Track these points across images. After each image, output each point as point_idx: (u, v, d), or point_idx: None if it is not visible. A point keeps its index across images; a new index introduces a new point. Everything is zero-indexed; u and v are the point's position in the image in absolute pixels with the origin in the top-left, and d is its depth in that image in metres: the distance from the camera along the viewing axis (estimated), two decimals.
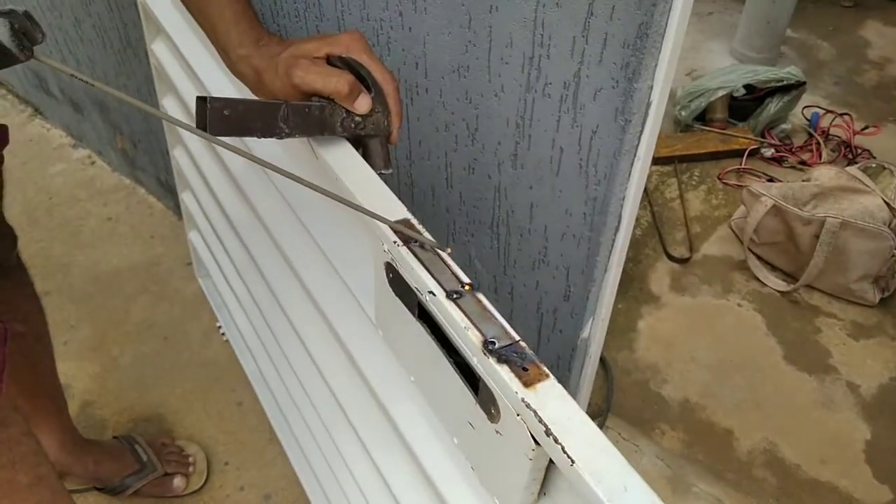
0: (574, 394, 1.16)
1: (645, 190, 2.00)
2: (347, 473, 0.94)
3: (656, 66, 0.71)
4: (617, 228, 0.87)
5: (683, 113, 2.17)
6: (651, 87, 0.73)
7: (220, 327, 1.55)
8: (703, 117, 2.19)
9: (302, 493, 1.24)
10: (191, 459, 1.33)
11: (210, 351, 1.54)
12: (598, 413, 1.44)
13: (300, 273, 0.86)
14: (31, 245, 1.75)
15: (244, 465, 1.36)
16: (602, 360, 1.53)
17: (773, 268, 1.80)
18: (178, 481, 1.29)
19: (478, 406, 0.53)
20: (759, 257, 1.80)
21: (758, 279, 1.77)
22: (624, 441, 1.42)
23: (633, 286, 1.75)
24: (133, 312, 1.63)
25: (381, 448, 0.80)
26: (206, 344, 1.56)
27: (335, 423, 0.95)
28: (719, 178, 2.06)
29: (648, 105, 0.75)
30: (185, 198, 1.40)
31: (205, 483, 1.33)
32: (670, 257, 1.82)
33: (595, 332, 1.04)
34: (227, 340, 1.52)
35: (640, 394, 1.51)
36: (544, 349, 1.11)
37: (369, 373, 0.75)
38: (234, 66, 0.69)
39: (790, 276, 1.77)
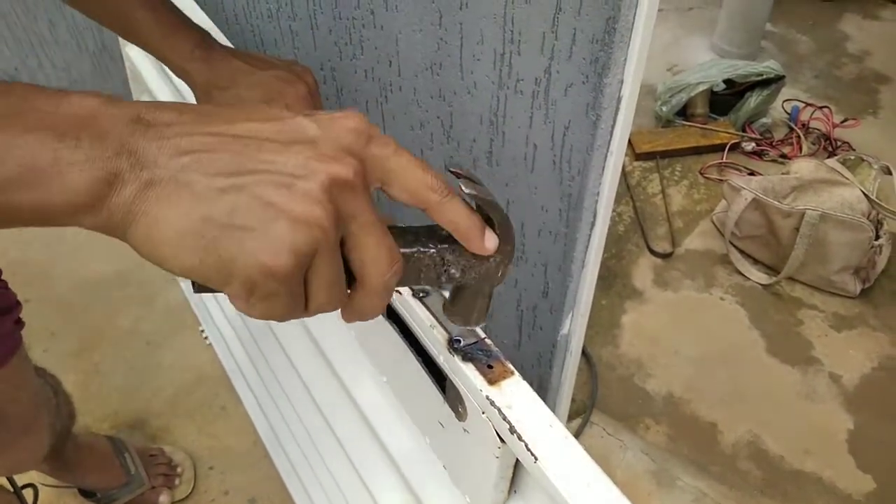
0: (556, 390, 1.16)
1: (627, 185, 2.00)
2: (328, 474, 0.93)
3: (626, 60, 0.71)
4: (592, 224, 0.87)
5: (664, 108, 2.18)
6: (622, 82, 0.73)
7: (202, 331, 1.54)
8: (683, 112, 2.20)
9: (287, 495, 1.23)
10: (179, 470, 1.32)
11: (193, 356, 1.53)
12: (583, 409, 1.45)
13: None
14: (11, 252, 1.73)
15: (229, 469, 1.35)
16: (586, 356, 1.53)
17: (754, 261, 1.81)
18: (163, 498, 1.28)
19: (446, 405, 0.53)
20: (740, 251, 1.81)
21: (740, 272, 1.78)
22: (608, 436, 1.42)
23: (616, 282, 1.75)
24: (115, 318, 1.62)
25: (358, 448, 0.80)
26: (188, 349, 1.55)
27: (315, 425, 0.95)
28: (701, 173, 2.07)
29: (619, 100, 0.74)
30: None
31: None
32: (653, 252, 1.83)
33: (575, 328, 1.04)
34: (209, 345, 1.51)
35: (625, 389, 1.52)
36: (525, 346, 1.11)
37: (345, 375, 0.75)
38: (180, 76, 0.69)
39: (772, 269, 1.78)
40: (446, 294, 0.47)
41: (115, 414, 1.43)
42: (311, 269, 0.34)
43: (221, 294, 0.35)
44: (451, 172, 0.40)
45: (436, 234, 0.40)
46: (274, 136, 0.34)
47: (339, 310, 0.38)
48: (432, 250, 0.40)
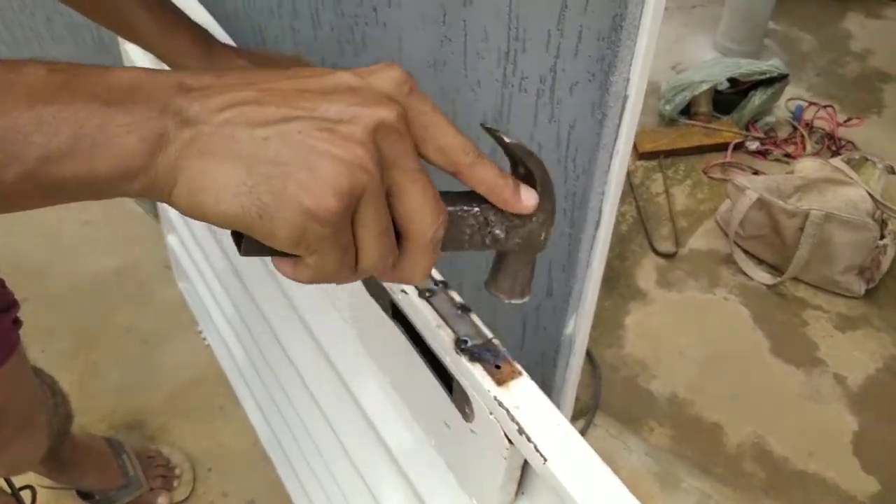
0: (560, 391, 1.15)
1: (630, 185, 1.99)
2: (329, 476, 0.92)
3: (632, 58, 0.70)
4: (597, 223, 0.86)
5: (668, 107, 2.17)
6: (628, 80, 0.72)
7: (200, 331, 1.53)
8: (687, 111, 2.19)
9: (286, 497, 1.22)
10: (177, 471, 1.32)
11: (191, 355, 1.52)
12: (587, 410, 1.44)
13: (278, 275, 0.85)
14: (8, 252, 1.72)
15: (227, 470, 1.34)
16: (590, 357, 1.52)
17: (759, 261, 1.80)
18: (162, 500, 1.27)
19: (452, 405, 0.52)
20: (744, 251, 1.80)
21: (744, 273, 1.77)
22: (612, 438, 1.41)
23: (619, 282, 1.74)
24: (112, 317, 1.60)
25: (360, 450, 0.79)
26: (186, 348, 1.54)
27: (316, 425, 0.94)
28: (704, 172, 2.06)
29: (625, 98, 0.73)
30: None
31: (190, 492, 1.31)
32: (657, 252, 1.82)
33: (579, 328, 1.03)
34: (207, 344, 1.50)
35: (629, 390, 1.51)
36: (528, 347, 1.10)
37: (347, 376, 0.74)
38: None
39: (776, 269, 1.77)
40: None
41: (113, 414, 1.42)
42: (357, 217, 0.33)
43: (268, 259, 0.34)
44: (486, 129, 0.39)
45: (476, 196, 0.38)
46: (314, 86, 0.33)
47: (385, 273, 0.37)
48: (476, 209, 0.39)
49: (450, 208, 0.38)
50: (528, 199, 0.39)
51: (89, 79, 0.31)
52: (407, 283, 0.38)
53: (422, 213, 0.34)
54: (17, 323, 0.87)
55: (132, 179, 0.31)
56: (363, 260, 0.34)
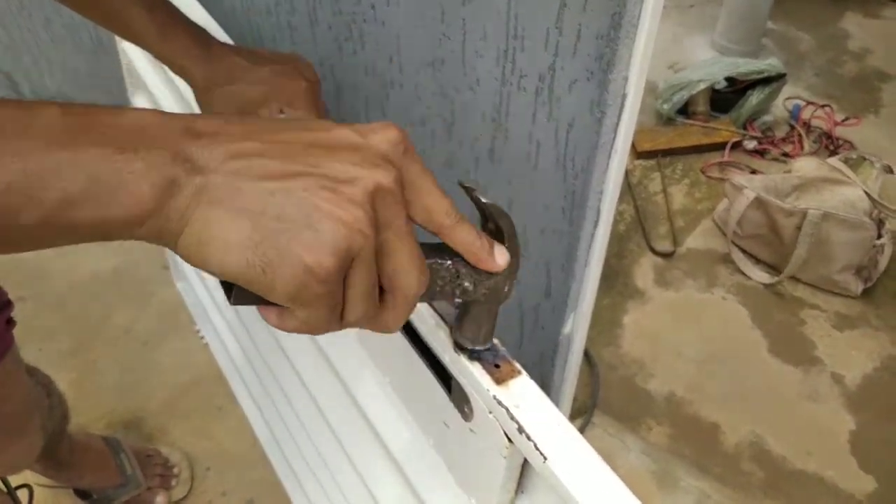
0: (558, 390, 1.15)
1: (628, 184, 1.99)
2: (329, 475, 0.92)
3: (631, 57, 0.70)
4: (596, 222, 0.86)
5: (665, 106, 2.17)
6: (626, 79, 0.72)
7: (198, 331, 1.53)
8: (685, 110, 2.19)
9: (285, 497, 1.22)
10: (175, 471, 1.31)
11: (189, 355, 1.52)
12: (584, 409, 1.44)
13: None
14: None
15: (226, 469, 1.34)
16: (587, 356, 1.52)
17: (756, 260, 1.80)
18: (160, 499, 1.27)
19: (451, 405, 0.52)
20: (742, 250, 1.80)
21: (742, 272, 1.77)
22: (610, 437, 1.41)
23: (617, 281, 1.74)
24: (110, 317, 1.60)
25: (359, 450, 0.79)
26: (184, 348, 1.53)
27: (315, 425, 0.94)
28: (702, 172, 2.06)
29: (624, 97, 0.73)
30: None
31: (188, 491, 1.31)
32: (654, 251, 1.82)
33: (577, 327, 1.03)
34: (205, 344, 1.50)
35: (626, 389, 1.51)
36: (526, 346, 1.10)
37: (346, 374, 0.73)
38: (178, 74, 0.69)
39: (774, 269, 1.77)
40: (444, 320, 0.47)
41: (111, 413, 1.42)
42: (349, 277, 0.34)
43: (254, 307, 0.35)
44: (464, 187, 0.41)
45: (447, 249, 0.41)
46: (319, 141, 0.34)
47: (365, 325, 0.38)
48: (448, 262, 0.41)
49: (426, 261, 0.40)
50: (500, 258, 0.42)
51: (102, 122, 0.32)
52: (383, 332, 0.39)
53: (408, 273, 0.36)
54: (10, 323, 0.87)
55: (143, 224, 0.32)
56: (348, 315, 0.36)
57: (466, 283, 0.42)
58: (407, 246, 0.35)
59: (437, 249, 0.41)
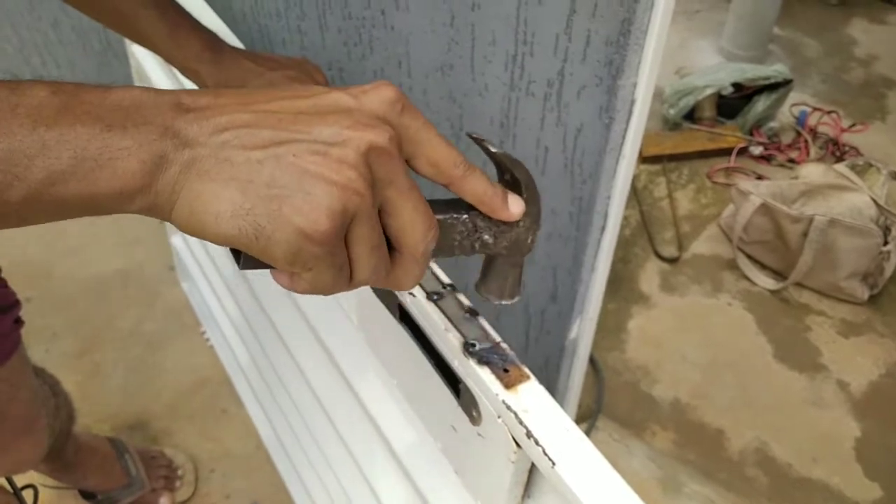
0: (563, 395, 1.15)
1: (633, 189, 1.99)
2: (334, 479, 0.92)
3: (640, 63, 0.70)
4: (603, 228, 0.86)
5: (672, 111, 2.17)
6: (635, 85, 0.72)
7: (203, 332, 1.54)
8: (691, 116, 2.19)
9: (289, 500, 1.22)
10: (179, 472, 1.31)
11: (194, 356, 1.52)
12: (589, 414, 1.43)
13: None
14: (12, 251, 1.73)
15: (230, 472, 1.34)
16: (592, 362, 1.52)
17: (762, 266, 1.80)
18: (164, 501, 1.27)
19: (459, 409, 0.52)
20: (748, 256, 1.80)
21: (747, 278, 1.76)
22: (615, 442, 1.41)
23: (622, 286, 1.74)
24: (116, 318, 1.61)
25: (365, 453, 0.79)
26: (190, 349, 1.54)
27: (321, 428, 0.94)
28: (708, 177, 2.06)
29: (633, 103, 0.74)
30: None
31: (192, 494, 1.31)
32: (660, 257, 1.82)
33: (583, 332, 1.03)
34: (211, 346, 1.50)
35: (631, 394, 1.50)
36: (532, 351, 1.09)
37: (353, 377, 0.73)
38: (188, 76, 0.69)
39: (780, 275, 1.77)
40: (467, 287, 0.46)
41: (116, 415, 1.43)
42: (351, 235, 0.34)
43: (267, 270, 0.36)
44: (472, 137, 0.40)
45: (464, 203, 0.40)
46: (309, 108, 0.34)
47: (378, 283, 0.38)
48: (465, 216, 0.40)
49: (439, 217, 0.39)
50: (515, 206, 0.41)
51: (90, 100, 0.32)
52: (399, 289, 0.39)
53: (413, 228, 0.36)
54: (18, 323, 0.87)
55: (133, 199, 0.32)
56: (357, 273, 0.36)
57: (486, 237, 0.41)
58: (410, 202, 0.35)
59: (452, 204, 0.40)
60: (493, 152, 0.40)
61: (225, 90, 0.35)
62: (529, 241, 0.43)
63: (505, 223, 0.41)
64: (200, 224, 0.32)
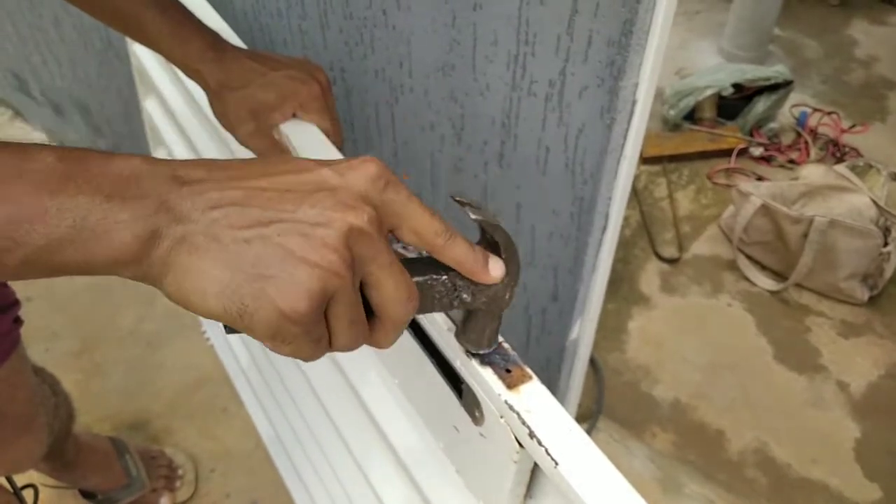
0: (563, 395, 1.15)
1: (634, 190, 1.99)
2: (334, 479, 0.92)
3: (641, 63, 0.70)
4: (604, 228, 0.86)
5: (672, 112, 2.17)
6: (637, 85, 0.72)
7: (204, 332, 1.54)
8: (691, 116, 2.19)
9: (289, 499, 1.22)
10: (180, 472, 1.31)
11: (194, 356, 1.52)
12: (589, 415, 1.43)
13: None
14: None
15: (230, 471, 1.34)
16: (592, 362, 1.52)
17: (762, 267, 1.80)
18: (164, 500, 1.27)
19: (462, 409, 0.52)
20: (748, 257, 1.80)
21: (747, 279, 1.77)
22: (615, 443, 1.41)
23: (622, 287, 1.74)
24: (116, 318, 1.61)
25: (366, 453, 0.79)
26: (190, 349, 1.54)
27: (321, 428, 0.94)
28: (708, 178, 2.06)
29: (634, 103, 0.74)
30: None
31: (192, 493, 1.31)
32: (660, 257, 1.82)
33: (584, 332, 1.03)
34: (211, 345, 1.50)
35: (631, 395, 1.50)
36: (533, 351, 1.10)
37: (354, 377, 0.73)
38: (191, 76, 0.69)
39: (780, 276, 1.77)
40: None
41: (116, 414, 1.43)
42: (330, 312, 0.36)
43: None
44: (456, 201, 0.42)
45: (443, 263, 0.42)
46: (296, 186, 0.36)
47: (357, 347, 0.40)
48: (444, 277, 0.42)
49: (419, 278, 0.41)
50: (495, 270, 0.42)
51: (93, 169, 0.33)
52: (377, 348, 0.42)
53: (395, 301, 0.38)
54: (17, 322, 0.87)
55: (126, 267, 0.34)
56: (335, 343, 0.38)
57: (465, 295, 0.43)
58: (392, 277, 0.37)
59: (432, 264, 0.42)
60: (473, 218, 0.41)
61: (218, 162, 0.37)
62: (507, 297, 0.44)
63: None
64: (187, 299, 0.34)
